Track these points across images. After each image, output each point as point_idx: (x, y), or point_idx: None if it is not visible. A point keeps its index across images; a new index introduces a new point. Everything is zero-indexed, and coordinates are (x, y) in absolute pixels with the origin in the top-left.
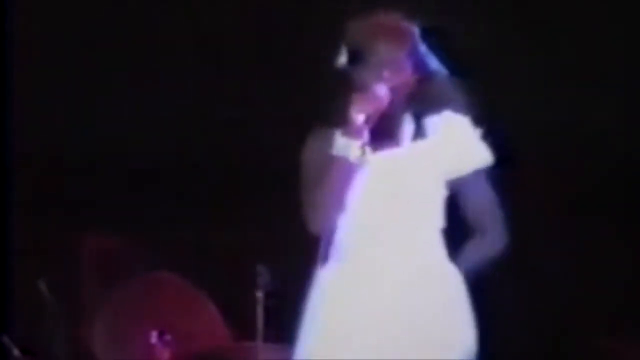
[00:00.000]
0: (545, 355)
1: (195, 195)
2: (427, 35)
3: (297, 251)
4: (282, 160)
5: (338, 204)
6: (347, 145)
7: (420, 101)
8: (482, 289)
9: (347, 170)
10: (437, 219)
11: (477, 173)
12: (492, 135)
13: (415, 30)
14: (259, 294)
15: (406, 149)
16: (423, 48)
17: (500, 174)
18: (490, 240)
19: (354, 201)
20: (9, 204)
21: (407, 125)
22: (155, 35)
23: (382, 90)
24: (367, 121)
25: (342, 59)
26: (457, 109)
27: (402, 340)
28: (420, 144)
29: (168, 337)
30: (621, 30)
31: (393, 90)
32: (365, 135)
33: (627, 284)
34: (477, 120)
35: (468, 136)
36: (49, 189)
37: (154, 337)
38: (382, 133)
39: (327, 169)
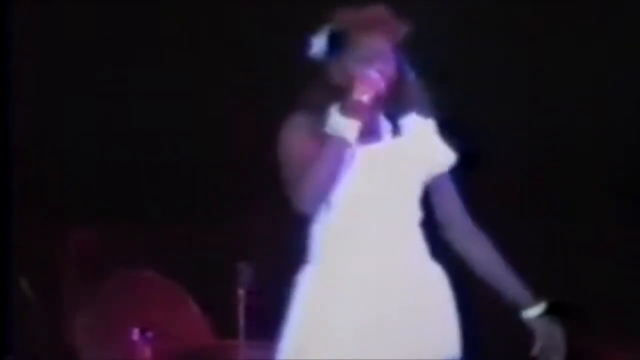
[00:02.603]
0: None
1: (177, 193)
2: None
3: (279, 249)
4: (265, 158)
5: (330, 185)
6: (345, 125)
7: (393, 100)
8: (467, 287)
9: (342, 149)
10: (416, 216)
11: (445, 179)
12: (460, 138)
13: (404, 29)
14: (241, 292)
15: (389, 144)
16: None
17: (471, 176)
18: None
19: (338, 194)
20: None
21: (384, 122)
22: (144, 33)
23: (377, 76)
24: (370, 103)
25: (321, 43)
26: (421, 112)
27: (385, 340)
28: (398, 140)
29: (150, 334)
30: (597, 32)
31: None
32: (365, 117)
33: (611, 285)
34: (444, 123)
35: (433, 139)
36: (31, 187)
37: (135, 334)
38: (367, 126)
39: (320, 149)
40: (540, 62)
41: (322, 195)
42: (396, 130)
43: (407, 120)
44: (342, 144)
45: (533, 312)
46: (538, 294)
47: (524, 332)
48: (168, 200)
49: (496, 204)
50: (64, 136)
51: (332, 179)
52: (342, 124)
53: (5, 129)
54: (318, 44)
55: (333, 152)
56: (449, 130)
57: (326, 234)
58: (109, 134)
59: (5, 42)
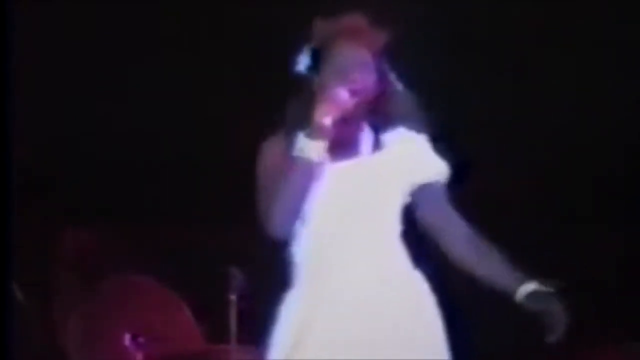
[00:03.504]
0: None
1: (169, 197)
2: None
3: (270, 254)
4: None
5: (300, 208)
6: (310, 147)
7: (378, 113)
8: (453, 295)
9: (309, 172)
10: (396, 229)
11: (434, 188)
12: (451, 149)
13: (384, 38)
14: (233, 297)
15: (366, 159)
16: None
17: (463, 187)
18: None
19: (314, 213)
20: None
21: (367, 136)
22: (144, 33)
23: (345, 94)
24: (333, 124)
25: (305, 60)
26: (411, 125)
27: (371, 349)
28: (378, 154)
29: (141, 339)
30: (597, 32)
31: (355, 94)
32: (329, 137)
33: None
34: (434, 135)
35: (422, 151)
36: (29, 188)
37: (127, 339)
38: (343, 142)
39: (288, 172)
40: (540, 62)
41: (290, 219)
42: (377, 144)
43: (392, 134)
44: (307, 165)
45: (525, 289)
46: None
47: (511, 337)
48: (161, 204)
49: (496, 204)
50: (63, 136)
51: (299, 202)
52: (306, 145)
53: (5, 129)
54: (302, 61)
55: (299, 175)
56: (442, 139)
57: (305, 255)
58: (107, 134)
59: (5, 42)
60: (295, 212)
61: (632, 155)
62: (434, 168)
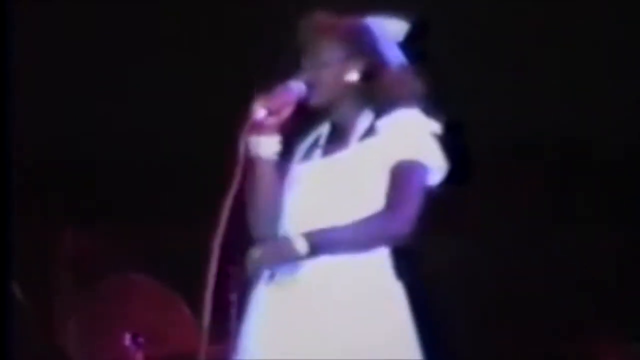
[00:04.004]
0: None
1: (169, 197)
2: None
3: None
4: None
5: (270, 206)
6: (257, 143)
7: (375, 93)
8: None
9: (262, 168)
10: None
11: (416, 173)
12: (452, 134)
13: (357, 24)
14: (233, 297)
15: (350, 151)
16: (374, 39)
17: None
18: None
19: (294, 209)
20: None
21: (362, 122)
22: (144, 33)
23: (295, 86)
24: (271, 115)
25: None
26: (412, 103)
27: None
28: (367, 142)
29: (141, 339)
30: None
31: (313, 85)
32: (277, 130)
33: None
34: (436, 115)
35: (418, 133)
36: (28, 189)
37: (127, 339)
38: (335, 137)
39: (250, 173)
40: (540, 61)
41: (263, 220)
42: (370, 131)
43: (387, 118)
44: (260, 162)
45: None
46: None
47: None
48: (161, 204)
49: (496, 204)
50: (63, 136)
51: (267, 202)
52: (254, 142)
53: (5, 129)
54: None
55: (256, 174)
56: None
57: None
58: (107, 134)
59: (5, 42)
60: (266, 212)
61: (632, 155)
62: (421, 149)
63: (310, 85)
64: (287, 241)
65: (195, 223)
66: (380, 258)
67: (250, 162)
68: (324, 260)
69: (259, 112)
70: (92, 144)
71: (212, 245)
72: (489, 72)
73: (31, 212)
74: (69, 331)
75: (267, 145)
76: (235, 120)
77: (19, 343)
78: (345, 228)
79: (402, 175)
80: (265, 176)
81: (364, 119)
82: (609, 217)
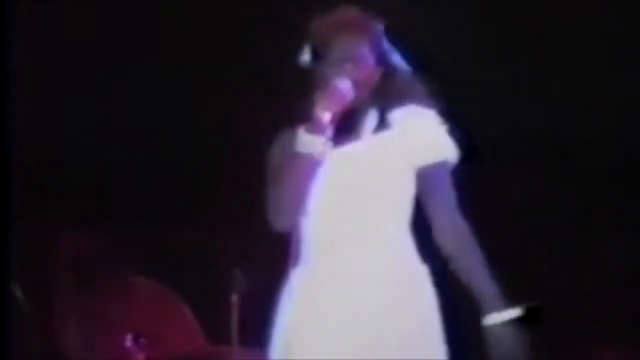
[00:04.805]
0: None
1: (169, 197)
2: (392, 31)
3: (272, 254)
4: (259, 162)
5: (302, 201)
6: (311, 142)
7: (385, 95)
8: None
9: (311, 166)
10: (404, 214)
11: (441, 169)
12: (460, 132)
13: (378, 25)
14: (235, 298)
15: (366, 142)
16: (386, 43)
17: (472, 171)
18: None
19: (317, 200)
20: None
21: (370, 119)
22: (144, 33)
23: (345, 85)
24: (333, 118)
25: (305, 57)
26: (421, 104)
27: (371, 342)
28: (382, 135)
29: (143, 340)
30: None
31: (356, 84)
32: (329, 131)
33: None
34: (443, 116)
35: (432, 128)
36: (22, 190)
37: (129, 340)
38: (344, 128)
39: (290, 167)
40: (540, 59)
41: (292, 213)
42: (382, 124)
43: (400, 112)
44: (309, 161)
45: (493, 319)
46: (534, 295)
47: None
48: (160, 204)
49: (496, 204)
50: (63, 136)
51: (300, 196)
52: (306, 141)
53: (5, 129)
54: (302, 60)
55: (300, 171)
56: (451, 124)
57: (310, 237)
58: (107, 134)
59: (5, 42)
60: (296, 207)
61: (632, 155)
62: (441, 146)
63: (355, 84)
64: None
65: (195, 223)
66: (404, 243)
67: (291, 158)
68: (350, 249)
69: (325, 115)
70: (92, 145)
71: (212, 245)
72: (489, 72)
73: (31, 213)
74: (69, 332)
75: (319, 145)
76: (235, 120)
77: (19, 343)
78: (473, 253)
79: (443, 178)
80: (306, 173)
81: (372, 114)
82: (609, 218)
